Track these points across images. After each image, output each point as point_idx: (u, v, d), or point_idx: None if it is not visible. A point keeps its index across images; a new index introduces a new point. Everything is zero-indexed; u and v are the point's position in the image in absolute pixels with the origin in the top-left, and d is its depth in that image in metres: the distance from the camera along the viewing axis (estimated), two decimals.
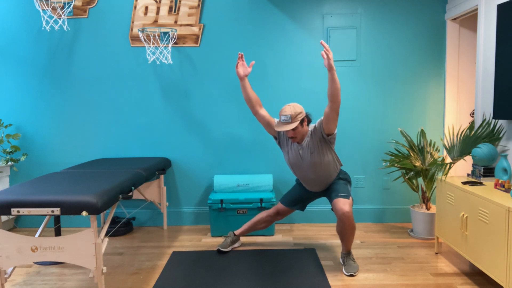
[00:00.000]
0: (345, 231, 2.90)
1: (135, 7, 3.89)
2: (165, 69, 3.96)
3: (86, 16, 3.90)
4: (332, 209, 2.96)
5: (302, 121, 2.87)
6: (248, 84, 3.02)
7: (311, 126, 2.99)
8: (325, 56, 2.63)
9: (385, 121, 4.01)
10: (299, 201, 3.26)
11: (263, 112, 3.05)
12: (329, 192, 3.09)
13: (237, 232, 3.40)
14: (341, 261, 3.05)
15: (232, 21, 3.92)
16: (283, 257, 3.18)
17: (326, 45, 2.63)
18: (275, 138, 3.11)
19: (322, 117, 2.87)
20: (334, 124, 2.82)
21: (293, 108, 2.84)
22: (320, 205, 4.07)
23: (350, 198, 2.96)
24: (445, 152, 3.91)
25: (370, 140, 4.02)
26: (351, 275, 2.85)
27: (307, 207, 4.05)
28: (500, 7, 2.87)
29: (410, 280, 2.78)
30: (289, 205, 3.25)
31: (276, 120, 3.06)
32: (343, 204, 2.86)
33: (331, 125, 2.82)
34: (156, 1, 3.89)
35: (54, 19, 3.83)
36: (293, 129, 2.85)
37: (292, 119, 2.81)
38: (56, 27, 3.82)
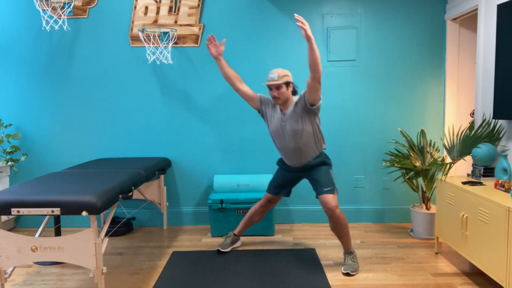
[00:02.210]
0: (337, 227, 2.93)
1: (135, 7, 3.89)
2: (165, 69, 3.96)
3: (86, 16, 3.90)
4: (320, 202, 3.01)
5: (287, 84, 2.93)
6: (224, 63, 3.11)
7: (296, 97, 3.02)
8: (302, 27, 2.65)
9: (385, 121, 4.01)
10: (282, 186, 3.21)
11: (244, 87, 3.13)
12: (312, 179, 3.05)
13: (236, 231, 3.40)
14: (344, 260, 3.04)
15: (232, 21, 3.92)
16: (283, 257, 3.18)
17: (300, 18, 2.66)
18: (259, 111, 3.16)
19: (305, 97, 2.91)
20: (317, 94, 2.85)
21: (282, 70, 2.94)
22: (320, 205, 4.07)
23: (335, 191, 2.97)
24: (445, 152, 3.91)
25: (370, 140, 4.02)
26: (347, 274, 2.85)
27: (307, 208, 4.06)
28: (500, 7, 2.87)
29: (410, 280, 2.78)
30: (274, 192, 3.22)
31: (259, 94, 3.14)
32: (329, 200, 2.90)
33: (314, 95, 2.84)
34: (156, 1, 3.89)
35: (54, 19, 3.83)
36: (278, 88, 2.89)
37: (279, 77, 2.89)
38: (56, 27, 3.82)
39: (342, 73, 3.96)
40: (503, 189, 2.64)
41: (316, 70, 2.73)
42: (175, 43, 3.92)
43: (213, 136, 4.01)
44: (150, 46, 3.90)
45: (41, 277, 2.92)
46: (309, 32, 2.65)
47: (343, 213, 2.98)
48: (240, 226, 3.39)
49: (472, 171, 3.08)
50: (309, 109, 2.91)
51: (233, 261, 3.12)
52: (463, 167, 3.92)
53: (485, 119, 3.15)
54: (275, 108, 3.05)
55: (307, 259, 3.15)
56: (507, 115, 2.80)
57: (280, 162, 3.22)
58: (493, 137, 3.06)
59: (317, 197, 2.99)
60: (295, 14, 2.67)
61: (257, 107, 3.14)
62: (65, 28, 3.90)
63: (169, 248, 3.45)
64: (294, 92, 3.03)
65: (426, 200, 3.63)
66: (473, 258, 2.65)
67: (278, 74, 2.89)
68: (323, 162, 3.06)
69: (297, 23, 2.65)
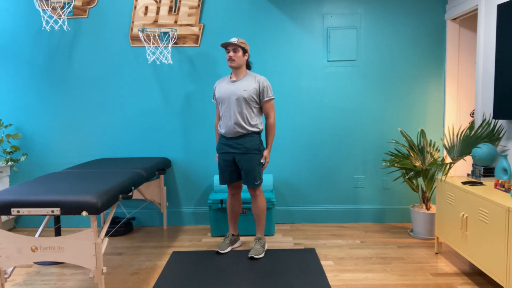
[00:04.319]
0: (258, 207, 3.27)
1: (135, 7, 3.89)
2: (165, 69, 3.96)
3: (86, 16, 3.90)
4: (248, 190, 3.31)
5: (245, 51, 3.13)
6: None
7: (256, 75, 3.17)
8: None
9: (385, 121, 4.01)
10: (226, 172, 3.24)
11: (218, 114, 3.34)
12: (244, 169, 3.16)
13: (231, 230, 3.41)
14: (253, 244, 3.30)
15: (232, 21, 3.92)
16: (283, 257, 3.18)
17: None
18: (214, 96, 3.29)
19: (266, 96, 3.13)
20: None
21: (242, 39, 3.16)
22: (320, 205, 4.07)
23: (261, 184, 3.25)
24: (445, 152, 3.91)
25: (370, 140, 4.02)
26: (252, 257, 3.14)
27: (307, 208, 4.06)
28: (500, 7, 2.87)
29: (410, 280, 2.78)
30: (228, 182, 3.28)
31: (215, 101, 3.31)
32: (259, 196, 3.26)
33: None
34: (156, 1, 3.89)
35: (54, 19, 3.83)
36: (235, 51, 3.08)
37: (238, 42, 3.09)
38: (56, 27, 3.82)
39: (342, 73, 3.96)
40: (503, 189, 2.64)
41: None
42: (175, 43, 3.92)
43: (213, 136, 4.01)
44: (150, 46, 3.90)
45: (41, 277, 2.92)
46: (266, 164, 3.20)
47: (265, 198, 3.34)
48: (230, 225, 3.43)
49: (472, 171, 3.08)
50: (260, 100, 3.15)
51: (233, 261, 3.12)
52: (463, 167, 3.92)
53: (485, 119, 3.15)
54: (223, 80, 3.24)
55: (307, 259, 3.15)
56: (507, 115, 2.80)
57: (218, 145, 3.29)
58: (493, 137, 3.06)
59: (244, 184, 3.22)
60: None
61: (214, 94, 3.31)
62: (65, 28, 3.90)
63: (169, 248, 3.45)
64: (248, 66, 3.25)
65: (426, 200, 3.63)
66: (473, 258, 2.65)
67: (238, 39, 3.11)
68: (258, 148, 3.18)
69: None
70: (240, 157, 3.16)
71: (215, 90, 3.27)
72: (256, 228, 3.35)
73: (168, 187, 4.08)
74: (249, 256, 3.16)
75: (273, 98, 3.16)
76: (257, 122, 3.18)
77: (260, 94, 3.13)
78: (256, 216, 3.31)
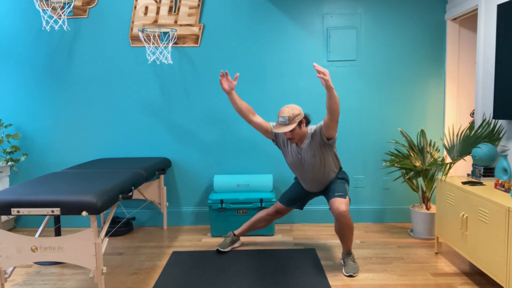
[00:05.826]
0: (343, 230, 2.90)
1: (135, 7, 3.89)
2: (165, 69, 3.96)
3: (86, 16, 3.90)
4: (329, 208, 2.96)
5: (300, 123, 2.85)
6: (236, 96, 3.01)
7: (311, 127, 2.98)
8: (323, 78, 2.59)
9: (385, 121, 4.01)
10: (297, 200, 3.26)
11: (258, 119, 3.05)
12: (327, 191, 3.10)
13: (236, 232, 3.41)
14: (341, 261, 3.05)
15: (232, 21, 3.92)
16: (283, 257, 3.18)
17: (319, 67, 2.58)
18: (273, 141, 3.12)
19: (322, 122, 2.86)
20: (334, 131, 2.83)
21: (291, 109, 2.82)
22: (320, 205, 4.07)
23: (347, 197, 2.95)
24: (445, 152, 3.91)
25: (370, 140, 4.02)
26: (350, 276, 2.85)
27: (307, 208, 4.05)
28: (500, 7, 2.87)
29: (410, 280, 2.78)
30: (288, 204, 3.25)
31: (272, 123, 3.07)
32: (340, 203, 2.86)
33: (331, 131, 2.82)
34: (156, 1, 3.89)
35: (54, 19, 3.83)
36: (291, 131, 2.84)
37: (290, 120, 2.79)
38: (56, 27, 3.82)
39: (342, 73, 3.96)
40: (503, 189, 2.64)
41: (335, 114, 2.71)
42: (175, 43, 3.92)
43: (213, 136, 4.01)
44: (150, 46, 3.90)
45: (41, 277, 2.92)
46: (330, 83, 2.59)
47: (352, 220, 2.97)
48: (242, 228, 3.40)
49: (472, 171, 3.08)
50: (326, 143, 2.90)
51: (233, 261, 3.12)
52: (463, 167, 3.92)
53: (485, 119, 3.15)
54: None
55: (307, 259, 3.15)
56: (507, 115, 2.80)
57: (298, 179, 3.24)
58: (493, 137, 3.06)
59: (328, 202, 2.96)
60: (314, 64, 2.59)
61: (272, 137, 3.10)
62: (65, 28, 3.90)
63: (169, 248, 3.45)
64: (308, 123, 2.97)
65: (426, 200, 3.63)
66: (473, 258, 2.65)
67: (288, 117, 2.79)
68: (341, 177, 3.10)
69: (318, 74, 2.57)
70: (324, 192, 3.13)
71: (279, 143, 3.07)
72: (342, 244, 3.02)
73: (168, 187, 4.08)
74: (346, 275, 2.85)
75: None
76: (336, 166, 3.05)
77: (321, 138, 2.88)
78: (340, 237, 2.97)
